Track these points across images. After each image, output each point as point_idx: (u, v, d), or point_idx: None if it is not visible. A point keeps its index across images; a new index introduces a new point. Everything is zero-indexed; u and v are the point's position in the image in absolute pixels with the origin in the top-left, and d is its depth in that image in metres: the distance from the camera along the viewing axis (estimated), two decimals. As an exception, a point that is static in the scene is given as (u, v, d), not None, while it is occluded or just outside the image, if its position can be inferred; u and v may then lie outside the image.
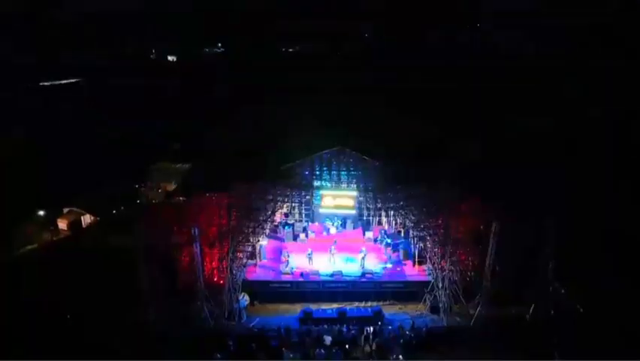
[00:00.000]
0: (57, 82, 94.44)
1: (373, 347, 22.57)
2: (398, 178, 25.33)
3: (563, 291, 24.43)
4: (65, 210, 42.17)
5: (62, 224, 41.02)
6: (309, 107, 72.42)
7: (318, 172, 27.45)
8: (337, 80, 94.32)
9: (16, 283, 29.86)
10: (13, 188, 43.36)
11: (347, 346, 22.48)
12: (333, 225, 33.13)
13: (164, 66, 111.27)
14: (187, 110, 75.42)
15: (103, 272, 28.82)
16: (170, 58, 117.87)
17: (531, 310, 24.64)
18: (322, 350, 21.97)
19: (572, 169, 43.23)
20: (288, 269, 29.04)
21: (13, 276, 31.58)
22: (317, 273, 28.71)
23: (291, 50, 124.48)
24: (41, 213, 41.23)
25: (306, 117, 63.85)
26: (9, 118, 69.02)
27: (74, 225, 41.12)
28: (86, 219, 42.19)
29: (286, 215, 30.34)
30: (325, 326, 25.06)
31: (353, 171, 27.19)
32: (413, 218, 26.37)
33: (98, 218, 41.70)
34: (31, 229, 40.38)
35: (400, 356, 21.56)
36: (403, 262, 30.00)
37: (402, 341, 23.01)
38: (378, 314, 25.85)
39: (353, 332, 24.11)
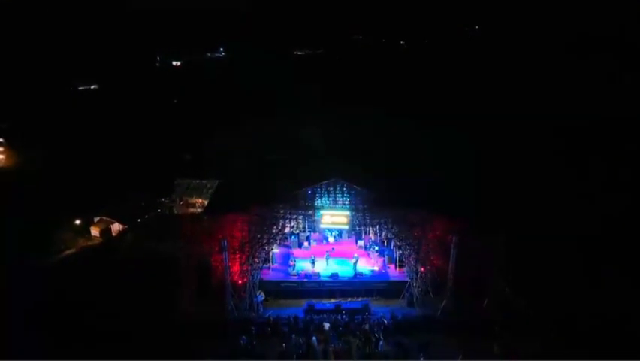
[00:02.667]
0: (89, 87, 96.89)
1: (361, 331, 28.95)
2: (380, 201, 32.38)
3: (506, 289, 31.66)
4: (96, 219, 48.23)
5: (95, 231, 47.16)
6: (310, 113, 77.98)
7: (318, 196, 33.27)
8: (337, 83, 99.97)
9: (57, 284, 35.10)
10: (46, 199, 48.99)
11: (341, 329, 29.31)
12: (331, 235, 40.04)
13: (169, 73, 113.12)
14: (193, 118, 79.95)
15: (137, 275, 34.02)
16: (174, 63, 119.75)
17: (485, 305, 31.23)
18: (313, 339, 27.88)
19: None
20: (294, 271, 34.78)
21: (55, 277, 37.03)
22: (318, 274, 34.55)
23: (294, 53, 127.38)
24: (77, 222, 47.69)
25: (307, 123, 69.43)
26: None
27: (105, 232, 47.32)
28: (115, 227, 48.28)
29: (292, 227, 36.27)
30: (325, 316, 30.80)
31: (346, 195, 33.19)
32: (394, 231, 33.59)
33: (127, 226, 47.80)
34: (68, 235, 46.37)
35: (381, 338, 28.03)
36: (387, 265, 36.08)
37: (382, 327, 29.54)
38: (366, 307, 31.87)
39: (346, 320, 30.32)
